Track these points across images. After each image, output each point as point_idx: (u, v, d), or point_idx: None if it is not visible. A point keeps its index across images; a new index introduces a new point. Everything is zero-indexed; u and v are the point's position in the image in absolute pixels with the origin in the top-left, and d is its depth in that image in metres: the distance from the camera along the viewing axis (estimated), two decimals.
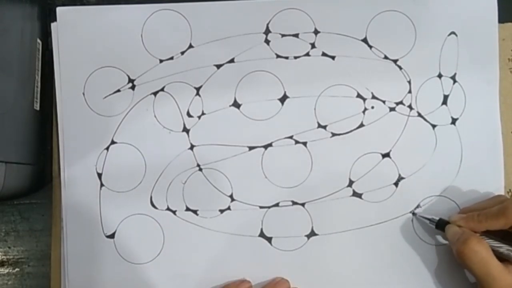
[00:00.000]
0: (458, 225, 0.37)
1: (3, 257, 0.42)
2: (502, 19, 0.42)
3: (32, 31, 0.40)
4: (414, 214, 0.41)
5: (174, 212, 0.41)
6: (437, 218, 0.39)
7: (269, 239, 0.41)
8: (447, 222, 0.38)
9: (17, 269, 0.42)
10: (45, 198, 0.42)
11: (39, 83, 0.41)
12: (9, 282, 0.42)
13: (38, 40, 0.41)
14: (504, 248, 0.36)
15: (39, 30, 0.41)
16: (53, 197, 0.41)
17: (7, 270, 0.42)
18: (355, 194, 0.41)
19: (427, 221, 0.40)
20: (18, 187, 0.39)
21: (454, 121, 0.42)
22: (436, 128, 0.41)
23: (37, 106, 0.40)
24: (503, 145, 0.42)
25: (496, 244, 0.36)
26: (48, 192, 0.42)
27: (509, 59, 0.43)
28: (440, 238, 0.41)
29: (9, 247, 0.42)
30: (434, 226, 0.39)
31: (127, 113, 0.41)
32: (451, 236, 0.37)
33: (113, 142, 0.41)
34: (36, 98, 0.40)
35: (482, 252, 0.35)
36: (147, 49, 0.41)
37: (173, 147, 0.41)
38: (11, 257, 0.42)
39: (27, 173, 0.39)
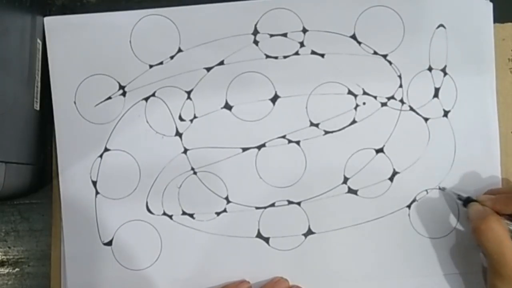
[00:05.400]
0: (483, 205, 0.37)
1: (3, 257, 0.42)
2: (502, 19, 0.42)
3: (32, 31, 0.40)
4: (443, 189, 0.41)
5: (170, 216, 0.41)
6: (466, 196, 0.39)
7: (266, 240, 0.41)
8: (475, 201, 0.38)
9: (17, 269, 0.42)
10: (45, 198, 0.42)
11: (39, 83, 0.41)
12: (9, 282, 0.42)
13: (38, 40, 0.41)
14: None
15: (39, 30, 0.41)
16: (53, 197, 0.42)
17: (7, 270, 0.42)
18: (350, 190, 0.41)
19: (455, 196, 0.40)
20: (18, 187, 0.38)
21: (446, 113, 0.41)
22: (428, 121, 0.41)
23: (37, 106, 0.40)
24: (503, 145, 0.41)
25: None
26: (48, 192, 0.42)
27: (509, 59, 0.42)
28: (437, 232, 0.41)
29: (9, 247, 0.42)
30: (462, 203, 0.39)
31: (119, 120, 0.41)
32: (473, 214, 0.37)
33: (106, 150, 0.41)
34: (36, 98, 0.40)
35: (499, 230, 0.34)
36: (136, 55, 0.41)
37: (167, 151, 0.41)
38: (11, 257, 0.42)
39: (27, 173, 0.39)
